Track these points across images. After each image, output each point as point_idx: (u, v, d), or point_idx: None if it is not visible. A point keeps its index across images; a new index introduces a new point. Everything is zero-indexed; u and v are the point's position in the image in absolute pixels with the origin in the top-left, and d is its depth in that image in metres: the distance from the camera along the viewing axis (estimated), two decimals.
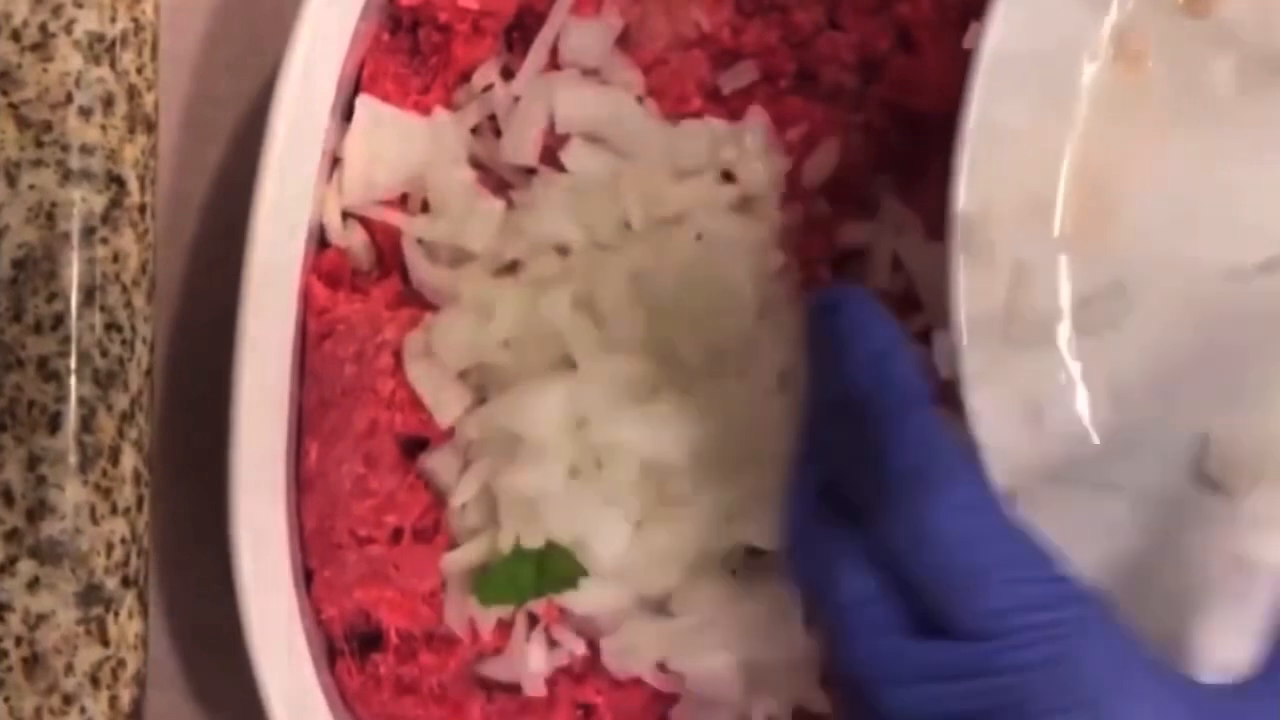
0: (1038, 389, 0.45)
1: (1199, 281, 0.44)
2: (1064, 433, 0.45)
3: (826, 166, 0.51)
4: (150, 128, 0.52)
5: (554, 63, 0.52)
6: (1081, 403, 0.45)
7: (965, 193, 0.43)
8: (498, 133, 0.52)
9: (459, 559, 0.50)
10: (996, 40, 0.43)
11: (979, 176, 0.43)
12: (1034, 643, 0.36)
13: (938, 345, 0.47)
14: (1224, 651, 0.43)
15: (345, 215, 0.52)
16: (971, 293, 0.43)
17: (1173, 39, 0.44)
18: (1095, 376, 0.45)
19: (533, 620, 0.50)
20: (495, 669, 0.50)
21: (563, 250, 0.50)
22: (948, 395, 0.44)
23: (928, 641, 0.37)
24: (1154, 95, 0.44)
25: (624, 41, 0.51)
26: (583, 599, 0.49)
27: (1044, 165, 0.44)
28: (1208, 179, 0.44)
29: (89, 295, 0.49)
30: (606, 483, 0.49)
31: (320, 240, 0.51)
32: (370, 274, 0.52)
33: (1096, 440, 0.45)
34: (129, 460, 0.50)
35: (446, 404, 0.50)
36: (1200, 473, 0.45)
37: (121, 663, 0.50)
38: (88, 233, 0.49)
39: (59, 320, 0.49)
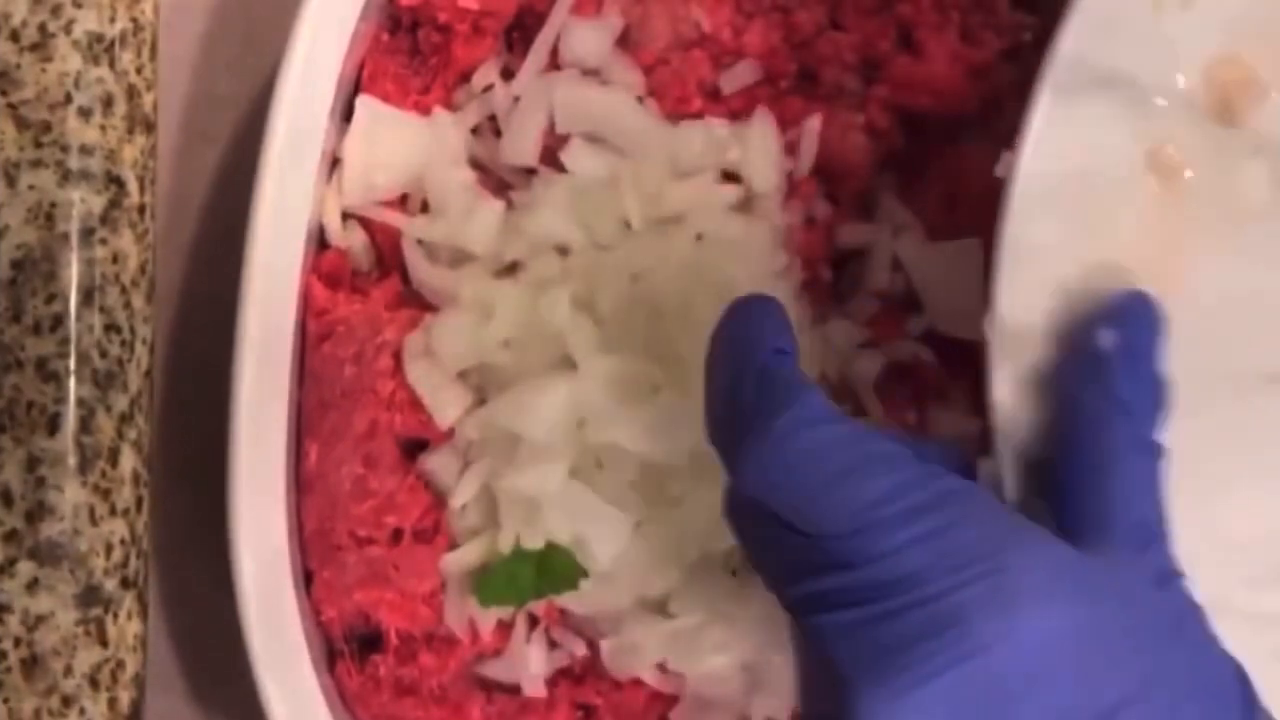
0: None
1: (1239, 390, 0.44)
2: None
3: (827, 167, 0.51)
4: (149, 128, 0.52)
5: (554, 63, 0.51)
6: None
7: (1003, 306, 0.42)
8: (498, 133, 0.52)
9: (459, 560, 0.50)
10: (1030, 163, 0.42)
11: (1016, 292, 0.42)
12: (915, 520, 0.36)
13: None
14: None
15: (345, 216, 0.52)
16: (1013, 409, 0.42)
17: (1206, 150, 0.43)
18: None
19: (533, 621, 0.50)
20: (495, 670, 0.50)
21: (563, 251, 0.50)
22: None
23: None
24: (1191, 206, 0.44)
25: (624, 42, 0.51)
26: (583, 599, 0.49)
27: (1084, 281, 0.43)
28: (1246, 285, 0.44)
29: (88, 296, 0.49)
30: (606, 483, 0.49)
31: (320, 241, 0.51)
32: (370, 275, 0.52)
33: None
34: (128, 461, 0.50)
35: (446, 405, 0.50)
36: (1236, 574, 0.43)
37: (121, 664, 0.50)
38: (87, 233, 0.49)
39: (58, 321, 0.49)
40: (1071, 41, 0.42)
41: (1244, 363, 0.44)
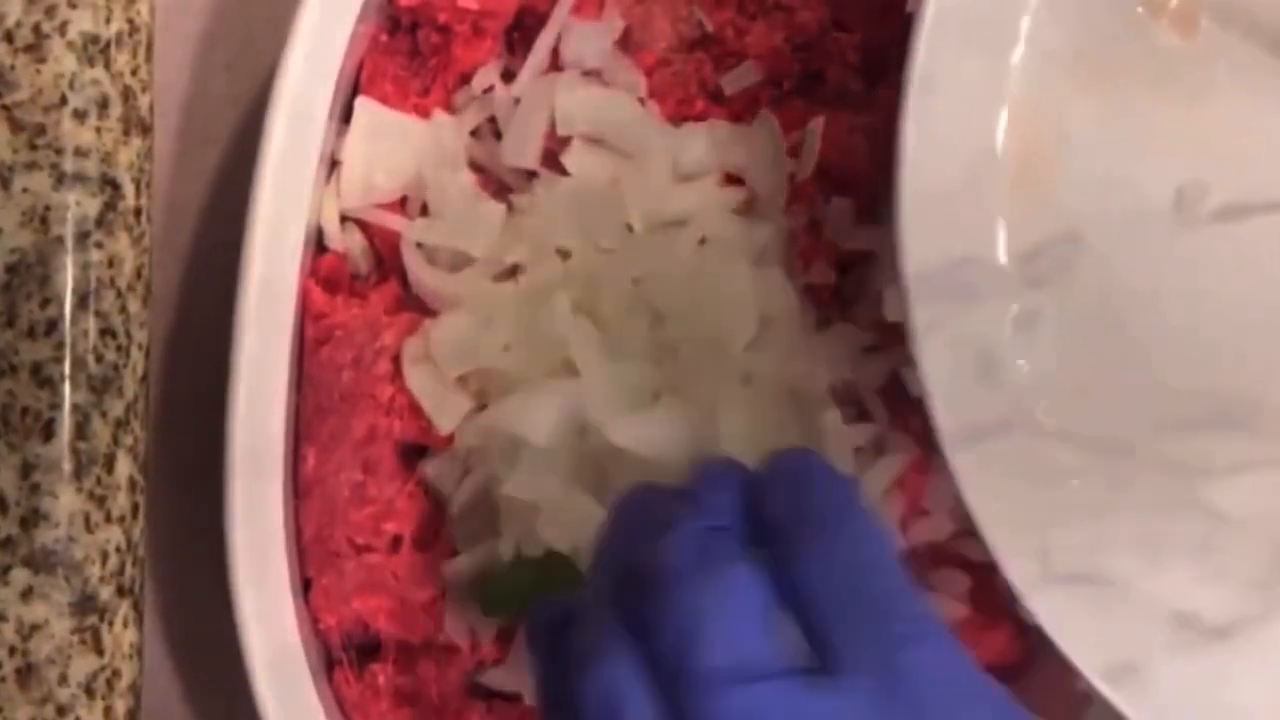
0: (988, 341, 0.45)
1: (1148, 229, 0.45)
2: (1015, 383, 0.45)
3: (831, 169, 0.51)
4: (145, 130, 0.52)
5: (555, 64, 0.51)
6: (1032, 353, 0.45)
7: (911, 146, 0.43)
8: (498, 135, 0.52)
9: (459, 567, 0.50)
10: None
11: (924, 133, 0.43)
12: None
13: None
14: (1182, 601, 0.43)
15: (343, 219, 0.51)
16: (919, 246, 0.43)
17: None
18: (1045, 327, 0.45)
19: None
20: (496, 679, 0.50)
21: (564, 254, 0.50)
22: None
23: None
24: (1093, 44, 0.44)
25: (626, 43, 0.51)
26: None
27: (986, 117, 0.45)
28: (1150, 126, 0.45)
29: (83, 300, 0.49)
30: (608, 489, 0.48)
31: (318, 244, 0.51)
32: (369, 278, 0.52)
33: (1049, 389, 0.45)
34: (124, 467, 0.50)
35: (445, 410, 0.50)
36: (1156, 420, 0.45)
37: (116, 673, 0.49)
38: (82, 237, 0.49)
39: (53, 326, 0.49)
40: None
41: (1156, 202, 0.45)
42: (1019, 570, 0.44)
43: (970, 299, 0.44)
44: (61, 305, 0.49)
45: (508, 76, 0.52)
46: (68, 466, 0.49)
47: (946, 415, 0.43)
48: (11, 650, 0.48)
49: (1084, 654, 0.44)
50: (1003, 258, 0.45)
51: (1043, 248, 0.45)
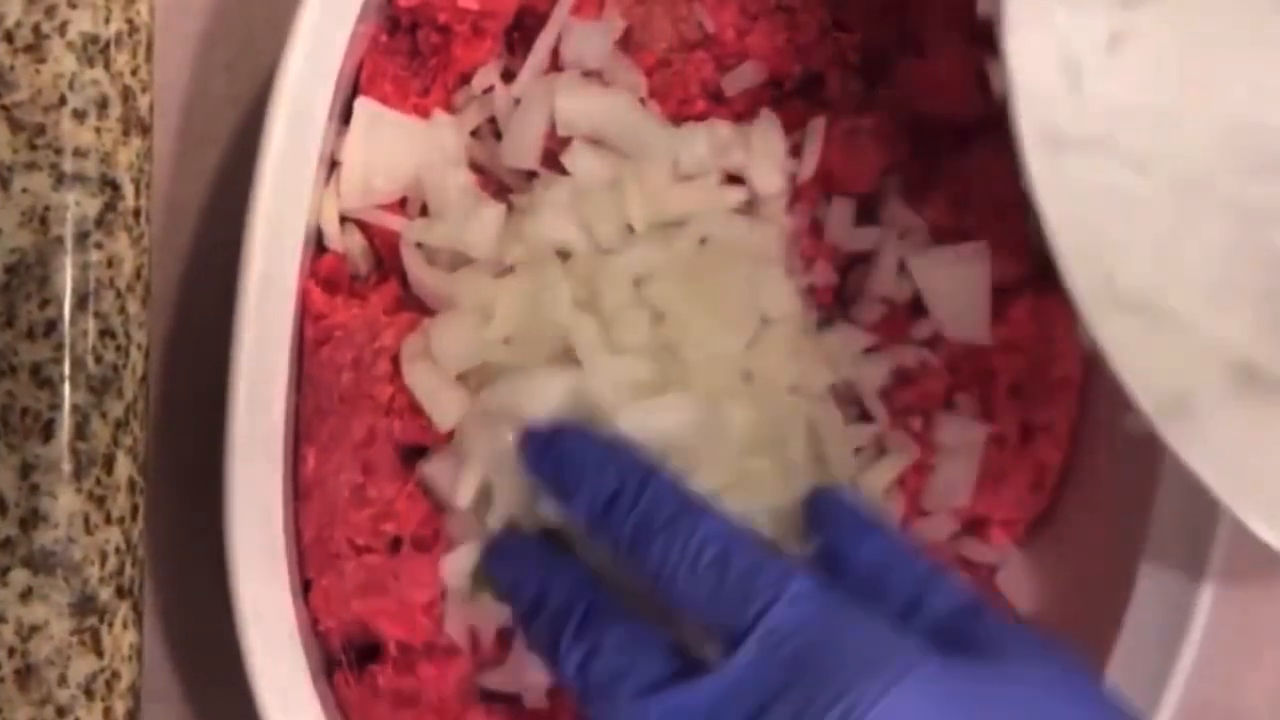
0: (1078, 46, 0.43)
1: None
2: (1099, 97, 0.43)
3: (832, 170, 0.51)
4: (145, 130, 0.51)
5: (555, 64, 0.51)
6: (1120, 71, 0.44)
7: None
8: (498, 135, 0.52)
9: (458, 561, 0.49)
10: None
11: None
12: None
13: None
14: (1243, 349, 0.42)
15: (343, 219, 0.51)
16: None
17: None
18: (1136, 48, 0.44)
19: None
20: (496, 680, 0.50)
21: (564, 254, 0.50)
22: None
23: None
24: None
25: (626, 43, 0.51)
26: None
27: None
28: None
29: (83, 301, 0.49)
30: None
31: (318, 245, 0.51)
32: (368, 279, 0.52)
33: (1133, 113, 0.44)
34: (123, 468, 0.50)
35: (445, 407, 0.49)
36: (1236, 159, 0.44)
37: (116, 674, 0.49)
38: (81, 237, 0.49)
39: (52, 326, 0.49)
40: None
41: None
42: (1084, 286, 0.42)
43: (1069, 3, 0.43)
44: (61, 306, 0.49)
45: (508, 76, 0.52)
46: (67, 467, 0.48)
47: (1028, 114, 0.41)
48: (11, 651, 0.48)
49: (1140, 384, 0.42)
50: None
51: None
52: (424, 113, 0.51)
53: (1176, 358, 0.43)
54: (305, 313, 0.50)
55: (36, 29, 0.49)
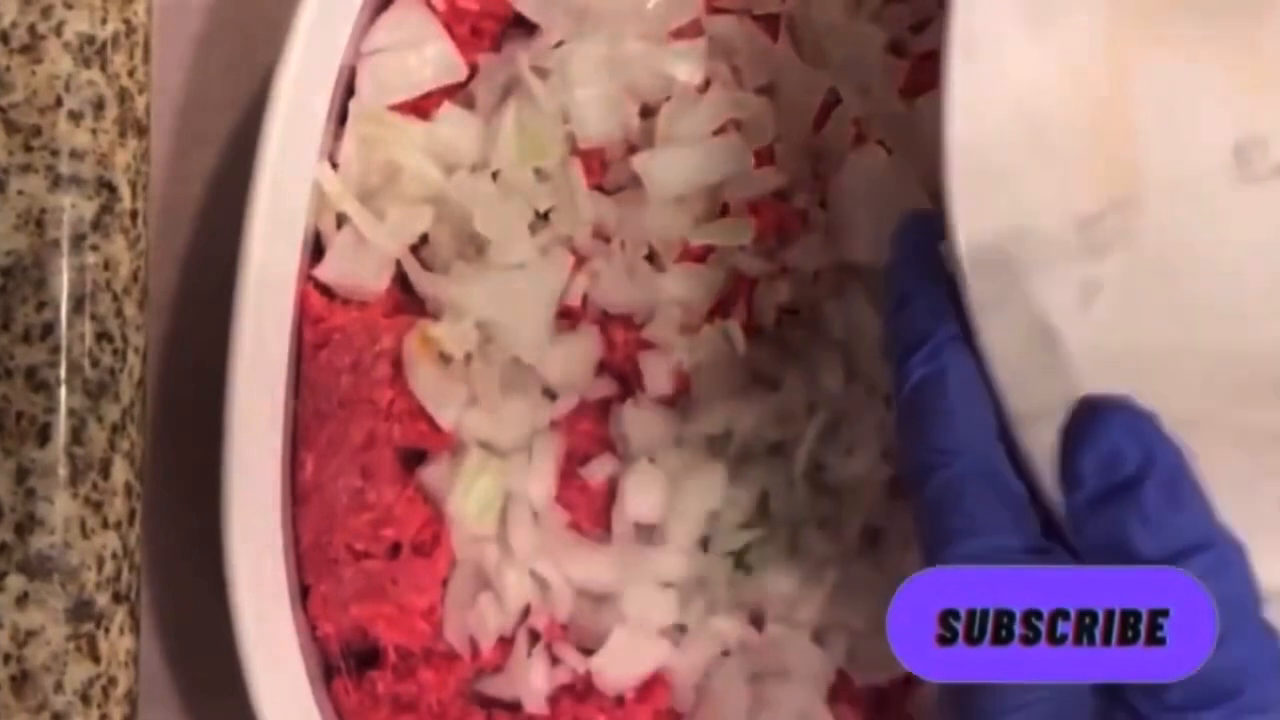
0: (1050, 311, 0.43)
1: (1208, 189, 0.44)
2: (1080, 359, 0.43)
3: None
4: (142, 132, 0.51)
5: None
6: (1095, 327, 0.43)
7: (958, 117, 0.41)
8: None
9: (459, 559, 0.49)
10: None
11: (970, 99, 0.41)
12: None
13: None
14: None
15: (341, 221, 0.51)
16: (971, 218, 0.41)
17: None
18: (1108, 298, 0.44)
19: (534, 637, 0.49)
20: (496, 687, 0.50)
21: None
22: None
23: None
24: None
25: None
26: None
27: (1039, 79, 0.43)
28: (1206, 79, 0.44)
29: (79, 304, 0.49)
30: None
31: (316, 247, 0.51)
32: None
33: (1113, 364, 0.43)
34: (120, 473, 0.50)
35: (445, 404, 0.49)
36: (1224, 389, 0.43)
37: (113, 680, 0.49)
38: (78, 240, 0.49)
39: (48, 329, 0.48)
40: None
41: (1216, 160, 0.44)
42: None
43: (1029, 271, 0.42)
44: (57, 309, 0.49)
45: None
46: (63, 472, 0.48)
47: (1017, 399, 0.41)
48: (7, 657, 0.48)
49: None
50: (1061, 226, 0.43)
51: (1103, 213, 0.43)
52: (424, 113, 0.51)
53: None
54: (304, 316, 0.50)
55: (32, 29, 0.49)
